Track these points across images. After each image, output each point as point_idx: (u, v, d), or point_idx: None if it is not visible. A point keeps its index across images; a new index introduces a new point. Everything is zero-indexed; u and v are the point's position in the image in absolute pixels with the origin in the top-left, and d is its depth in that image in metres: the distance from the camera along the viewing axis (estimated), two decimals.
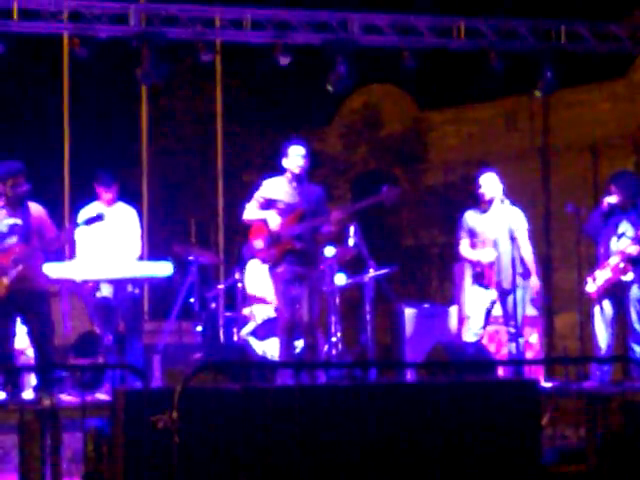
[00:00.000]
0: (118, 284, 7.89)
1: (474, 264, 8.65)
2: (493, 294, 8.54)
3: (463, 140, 17.26)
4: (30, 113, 15.04)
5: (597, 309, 8.57)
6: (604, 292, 8.52)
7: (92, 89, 14.81)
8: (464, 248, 8.76)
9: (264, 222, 7.91)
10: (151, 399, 5.43)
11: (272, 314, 8.88)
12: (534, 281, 8.74)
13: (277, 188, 8.01)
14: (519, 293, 8.46)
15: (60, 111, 12.01)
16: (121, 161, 14.75)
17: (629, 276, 8.44)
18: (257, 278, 9.13)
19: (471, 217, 8.74)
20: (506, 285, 8.49)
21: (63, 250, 8.20)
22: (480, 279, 8.58)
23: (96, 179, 8.34)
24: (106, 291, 7.97)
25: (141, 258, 8.49)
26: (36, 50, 12.40)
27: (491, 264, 8.52)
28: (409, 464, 5.87)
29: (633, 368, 8.29)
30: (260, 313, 9.08)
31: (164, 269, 7.86)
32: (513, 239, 8.58)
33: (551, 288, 14.58)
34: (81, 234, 8.12)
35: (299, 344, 8.29)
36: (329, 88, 10.09)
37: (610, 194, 8.61)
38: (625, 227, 8.53)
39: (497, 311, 8.68)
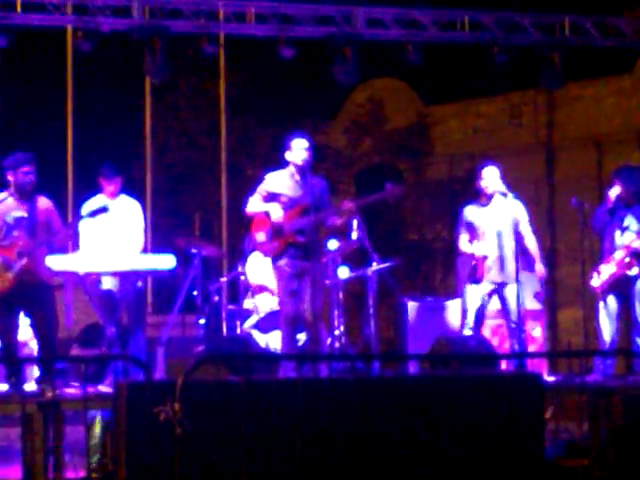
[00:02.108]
0: (121, 277, 7.89)
1: (470, 258, 8.63)
2: (486, 288, 8.53)
3: (468, 134, 17.28)
4: (33, 106, 15.07)
5: (601, 304, 8.55)
6: (609, 286, 8.50)
7: (96, 82, 14.83)
8: (463, 243, 8.74)
9: (266, 215, 7.89)
10: (154, 391, 5.44)
11: (275, 306, 8.87)
12: (540, 268, 8.73)
13: (280, 182, 7.98)
14: (516, 287, 8.45)
15: (63, 104, 12.01)
16: (125, 154, 14.77)
17: (634, 270, 8.42)
18: (260, 268, 9.12)
19: (470, 211, 8.73)
20: (507, 279, 8.49)
21: (67, 243, 8.19)
22: (473, 274, 8.56)
23: (99, 172, 8.34)
24: (109, 284, 7.97)
25: (145, 251, 8.49)
26: (39, 43, 12.41)
27: (484, 257, 8.52)
28: (412, 456, 5.87)
29: (637, 362, 8.26)
30: (263, 305, 9.07)
31: (167, 262, 7.84)
32: (516, 232, 8.57)
33: (555, 282, 14.60)
34: (85, 226, 8.13)
35: (302, 337, 8.28)
36: (337, 79, 10.08)
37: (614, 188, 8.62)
38: (630, 221, 8.52)
39: (496, 305, 8.67)
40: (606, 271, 8.50)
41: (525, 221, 8.71)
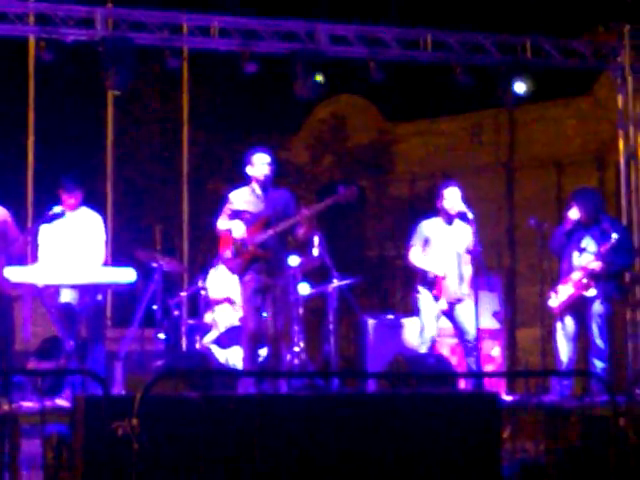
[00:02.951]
0: (81, 290, 7.84)
1: (423, 271, 8.62)
2: (442, 305, 8.55)
3: (429, 152, 17.36)
4: None
5: (559, 324, 8.62)
6: (566, 307, 8.57)
7: (58, 93, 14.74)
8: (414, 254, 8.71)
9: (230, 232, 7.93)
10: (112, 406, 5.39)
11: (235, 321, 8.86)
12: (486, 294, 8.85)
13: (242, 199, 8.02)
14: (468, 307, 8.49)
15: (25, 114, 11.92)
16: (86, 166, 14.68)
17: (591, 292, 8.49)
18: (222, 283, 9.11)
19: (428, 226, 8.74)
20: (458, 297, 8.53)
21: (25, 254, 8.13)
22: (430, 288, 8.56)
23: (59, 184, 8.29)
24: (68, 296, 7.91)
25: (105, 264, 8.44)
26: (1, 53, 12.32)
27: (444, 277, 8.54)
28: (369, 474, 5.86)
29: (593, 383, 8.32)
30: (223, 320, 9.05)
31: (128, 276, 7.80)
32: (469, 253, 8.63)
33: (515, 302, 14.69)
34: (44, 238, 8.07)
35: (263, 353, 8.28)
36: (299, 96, 10.09)
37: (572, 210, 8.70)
38: (587, 242, 8.59)
39: (444, 322, 8.70)
40: (564, 292, 8.56)
41: (470, 246, 8.70)
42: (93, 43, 9.73)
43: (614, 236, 8.40)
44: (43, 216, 7.89)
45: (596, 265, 8.46)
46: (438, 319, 8.60)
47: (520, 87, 10.42)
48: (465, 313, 8.53)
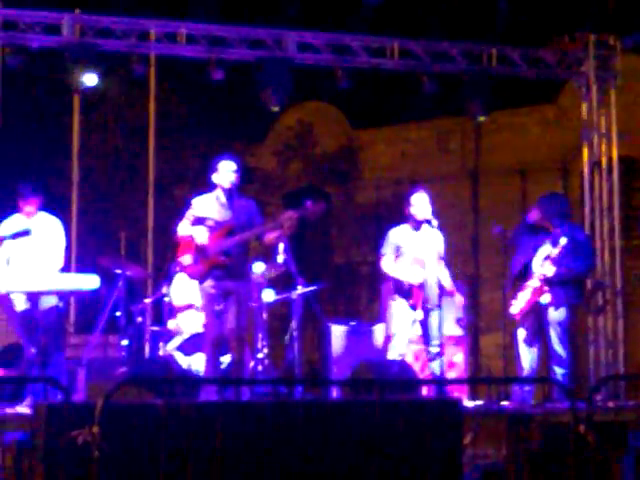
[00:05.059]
0: (37, 297, 7.77)
1: (398, 280, 8.63)
2: (419, 314, 8.55)
3: (395, 159, 17.42)
4: None
5: (520, 330, 8.66)
6: (526, 313, 8.60)
7: (23, 98, 14.65)
8: (386, 263, 8.72)
9: (192, 238, 7.90)
10: (73, 413, 5.38)
11: (199, 328, 8.85)
12: (459, 299, 8.84)
13: (206, 205, 8.00)
14: (437, 313, 8.52)
15: None
16: (51, 171, 14.61)
17: (545, 298, 8.50)
18: (185, 289, 9.09)
19: (398, 234, 8.74)
20: (430, 305, 8.55)
21: None
22: (406, 296, 8.56)
23: (16, 191, 8.23)
24: (28, 303, 7.85)
25: (68, 270, 8.40)
26: None
27: (420, 285, 8.53)
28: None
29: (554, 390, 8.38)
30: (187, 326, 9.04)
31: (91, 282, 7.77)
32: (439, 259, 8.66)
33: (477, 308, 14.76)
34: (3, 245, 8.02)
35: (225, 359, 8.27)
36: (267, 104, 10.11)
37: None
38: (546, 248, 8.62)
39: (417, 330, 8.70)
40: (522, 298, 8.59)
41: (442, 252, 8.75)
42: (60, 49, 9.69)
43: (562, 241, 8.42)
44: (10, 233, 7.83)
45: (548, 271, 8.49)
46: (412, 327, 8.59)
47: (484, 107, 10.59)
48: (435, 320, 8.54)
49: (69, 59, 9.58)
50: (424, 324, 8.57)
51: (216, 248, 7.84)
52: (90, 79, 9.55)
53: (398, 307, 8.60)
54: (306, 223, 8.28)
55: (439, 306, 8.52)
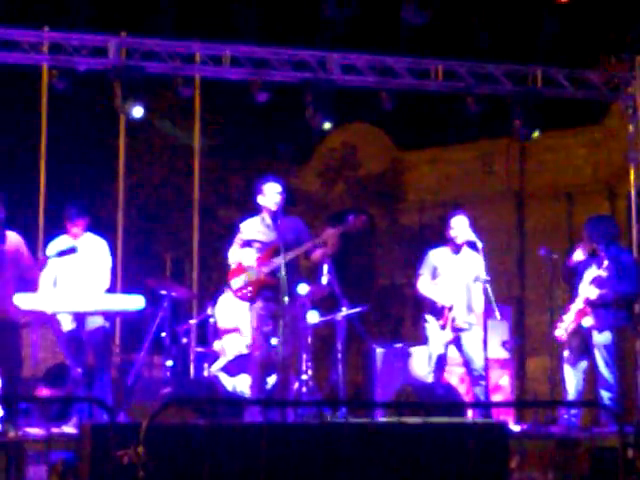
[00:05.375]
0: (83, 317, 7.82)
1: (431, 301, 8.63)
2: (447, 335, 8.54)
3: (440, 181, 17.39)
4: (7, 142, 15.02)
5: (566, 353, 8.58)
6: (571, 336, 8.53)
7: (70, 120, 14.82)
8: (423, 283, 8.72)
9: (240, 262, 7.97)
10: (118, 433, 5.39)
11: (243, 349, 8.85)
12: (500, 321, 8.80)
13: (253, 228, 8.05)
14: (480, 334, 8.48)
15: (38, 141, 11.99)
16: (98, 192, 14.74)
17: (587, 321, 8.42)
18: (231, 311, 9.11)
19: (437, 256, 8.75)
20: (470, 327, 8.52)
21: (37, 282, 8.14)
22: (437, 317, 8.56)
23: (63, 213, 8.31)
24: (73, 324, 7.89)
25: (114, 290, 8.45)
26: (15, 81, 12.40)
27: (450, 307, 8.53)
28: None
29: (601, 414, 8.28)
30: (231, 348, 9.05)
31: (136, 303, 7.81)
32: (475, 282, 8.61)
33: (523, 331, 14.65)
34: (50, 265, 8.08)
35: (271, 380, 8.27)
36: (312, 125, 10.14)
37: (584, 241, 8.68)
38: (591, 271, 8.54)
39: (454, 353, 8.68)
40: (567, 320, 8.53)
41: (481, 274, 8.68)
42: (106, 72, 9.78)
43: (605, 263, 8.34)
44: (56, 251, 7.91)
45: (592, 293, 8.41)
46: (446, 348, 8.58)
47: (534, 132, 10.50)
48: (472, 342, 8.51)
49: (115, 81, 9.66)
50: (461, 346, 8.53)
51: (264, 268, 7.87)
52: (137, 111, 9.63)
53: (431, 328, 8.63)
54: (350, 242, 8.28)
55: (479, 328, 8.46)
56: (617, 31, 14.01)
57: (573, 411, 8.40)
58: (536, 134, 10.61)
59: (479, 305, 8.64)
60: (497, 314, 8.63)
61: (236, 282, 7.98)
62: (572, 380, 8.46)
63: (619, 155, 11.79)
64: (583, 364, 8.50)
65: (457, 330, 8.52)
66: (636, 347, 10.63)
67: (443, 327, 8.54)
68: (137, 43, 9.90)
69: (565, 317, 8.54)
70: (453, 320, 8.50)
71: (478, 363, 8.48)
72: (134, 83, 9.65)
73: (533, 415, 8.74)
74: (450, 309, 8.52)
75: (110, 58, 9.76)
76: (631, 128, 11.14)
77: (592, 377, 8.58)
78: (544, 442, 7.30)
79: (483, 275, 8.57)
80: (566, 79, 10.85)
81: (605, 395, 8.31)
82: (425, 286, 8.69)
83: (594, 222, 8.88)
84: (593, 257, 8.59)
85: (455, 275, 8.62)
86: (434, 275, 8.69)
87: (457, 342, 8.56)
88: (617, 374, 8.39)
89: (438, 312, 8.58)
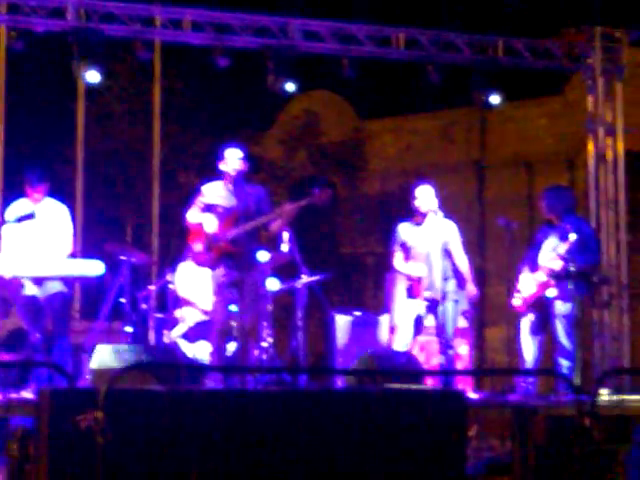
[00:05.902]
0: (42, 282, 7.76)
1: (407, 277, 8.68)
2: (421, 305, 8.56)
3: (401, 150, 17.40)
4: None
5: (523, 322, 8.63)
6: (530, 306, 8.58)
7: (28, 84, 14.63)
8: (397, 261, 8.78)
9: (202, 226, 7.91)
10: (77, 399, 5.37)
11: (203, 318, 8.83)
12: (471, 288, 8.80)
13: (215, 192, 8.01)
14: (451, 305, 8.51)
15: None
16: (56, 158, 14.59)
17: (551, 292, 8.47)
18: (188, 281, 9.08)
19: (404, 230, 8.77)
20: (437, 297, 8.53)
21: None
22: (410, 292, 8.61)
23: (24, 178, 8.20)
24: (34, 289, 7.84)
25: (74, 256, 8.38)
26: None
27: (419, 278, 8.56)
28: (335, 470, 5.87)
29: (559, 382, 8.35)
30: (191, 316, 9.02)
31: (96, 268, 7.76)
32: (446, 252, 8.62)
33: (483, 301, 14.73)
34: (8, 230, 7.99)
35: (231, 347, 8.26)
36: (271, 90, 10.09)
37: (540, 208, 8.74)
38: (552, 241, 8.59)
39: (429, 322, 8.71)
40: (527, 291, 8.57)
41: (457, 241, 8.74)
42: (64, 33, 9.66)
43: (571, 237, 8.36)
44: (14, 217, 7.82)
45: (557, 265, 8.45)
46: (417, 318, 8.60)
47: (494, 99, 10.50)
48: (448, 310, 8.52)
49: (73, 44, 9.54)
50: (437, 314, 8.55)
51: (226, 236, 7.84)
52: (93, 76, 9.53)
53: (401, 299, 8.64)
54: (312, 212, 8.27)
55: (445, 298, 8.49)
56: (577, 1, 14.05)
57: (530, 379, 8.47)
58: (497, 100, 10.60)
59: (465, 269, 8.65)
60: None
61: (197, 246, 7.94)
62: (530, 349, 8.52)
63: (579, 126, 11.83)
64: (542, 334, 8.57)
65: (433, 299, 8.52)
66: (593, 317, 10.76)
67: (415, 297, 8.55)
68: (96, 5, 9.79)
69: (521, 287, 8.59)
70: (429, 289, 8.51)
71: (449, 331, 8.52)
72: (93, 46, 9.55)
73: (491, 384, 8.81)
74: (419, 280, 8.52)
75: (68, 20, 9.64)
76: (590, 99, 11.19)
77: (549, 347, 8.66)
78: (502, 410, 7.36)
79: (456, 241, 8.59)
80: (527, 49, 10.86)
81: (564, 364, 8.38)
82: (399, 262, 8.73)
83: (553, 192, 8.91)
84: (551, 227, 8.63)
85: (424, 245, 8.61)
86: (404, 249, 8.71)
87: (433, 309, 8.57)
88: (576, 343, 8.47)
89: (410, 285, 8.60)
